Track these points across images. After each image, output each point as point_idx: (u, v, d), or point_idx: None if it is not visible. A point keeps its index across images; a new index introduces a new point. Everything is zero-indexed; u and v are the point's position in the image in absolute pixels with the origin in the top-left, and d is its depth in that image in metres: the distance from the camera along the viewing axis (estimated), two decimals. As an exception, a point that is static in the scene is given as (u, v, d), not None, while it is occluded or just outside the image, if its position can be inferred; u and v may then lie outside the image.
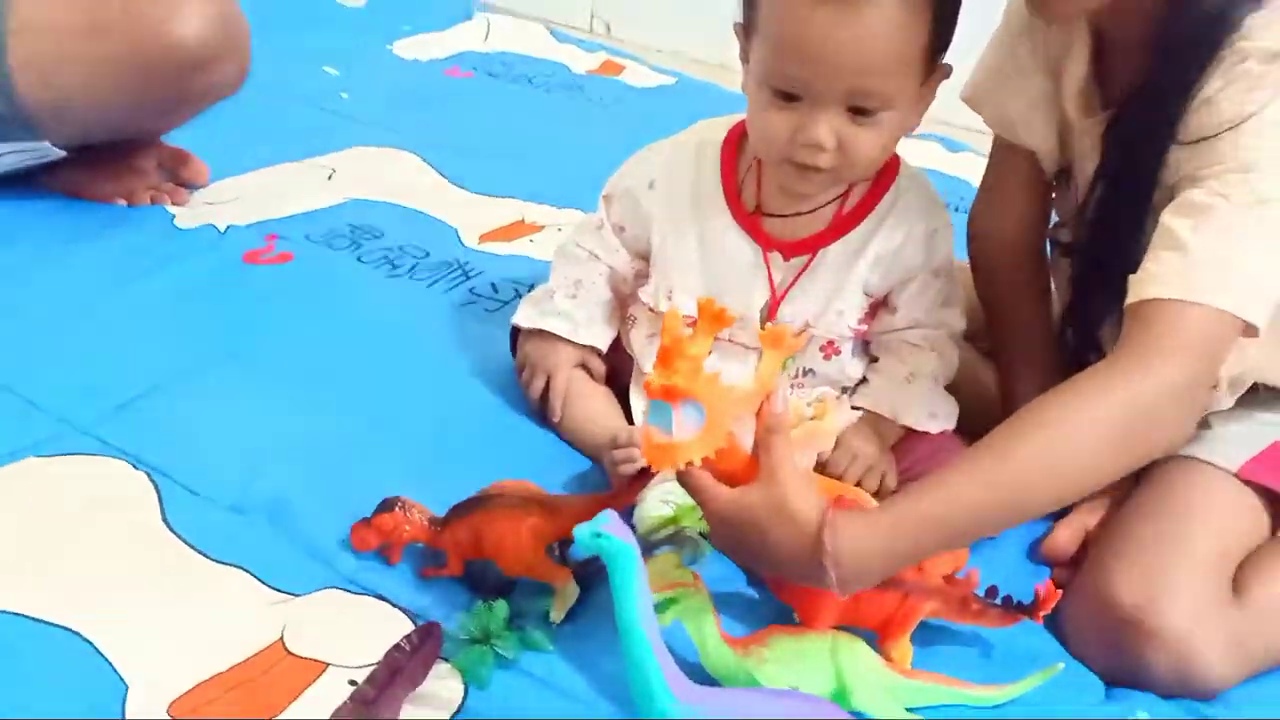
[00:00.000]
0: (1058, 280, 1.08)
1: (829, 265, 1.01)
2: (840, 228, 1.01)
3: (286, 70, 1.87)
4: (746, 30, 0.94)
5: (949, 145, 2.01)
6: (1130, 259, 0.85)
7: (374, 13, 2.26)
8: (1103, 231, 0.94)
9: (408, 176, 1.60)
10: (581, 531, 0.67)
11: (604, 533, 0.66)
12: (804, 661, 0.79)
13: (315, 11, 2.20)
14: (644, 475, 0.88)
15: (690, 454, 0.75)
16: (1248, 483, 0.94)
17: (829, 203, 1.00)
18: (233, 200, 1.45)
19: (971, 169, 1.90)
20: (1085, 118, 0.95)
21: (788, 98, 0.89)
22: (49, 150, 1.31)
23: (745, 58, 0.95)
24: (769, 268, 1.02)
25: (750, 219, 1.02)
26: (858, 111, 0.89)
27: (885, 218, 1.00)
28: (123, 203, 1.40)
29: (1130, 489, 0.96)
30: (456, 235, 1.46)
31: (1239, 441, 0.96)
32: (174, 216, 1.39)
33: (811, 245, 1.01)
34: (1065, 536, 0.96)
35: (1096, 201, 0.94)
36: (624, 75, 2.16)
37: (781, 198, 1.00)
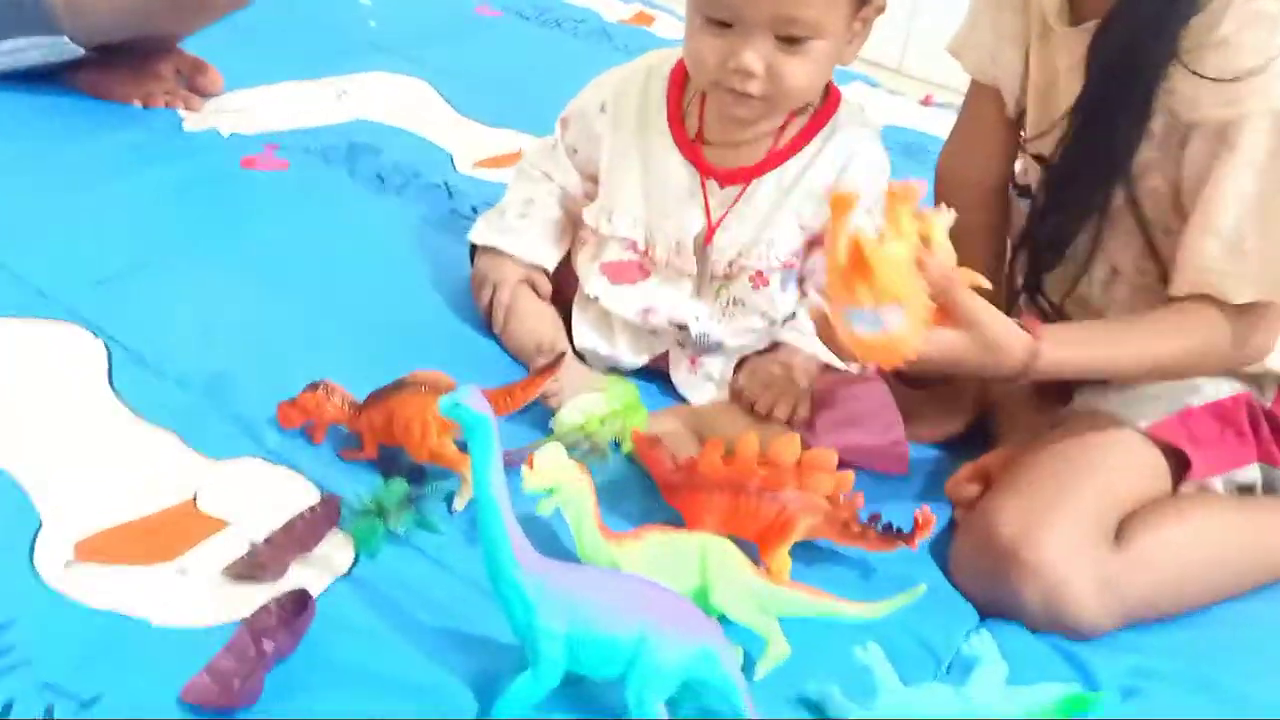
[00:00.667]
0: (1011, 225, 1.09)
1: (763, 195, 1.03)
2: (775, 159, 1.03)
3: (320, -6, 1.94)
4: None
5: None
6: (1114, 177, 0.90)
7: (417, -50, 2.30)
8: (1081, 156, 0.94)
9: (416, 103, 1.65)
10: (444, 401, 0.70)
11: (462, 404, 0.70)
12: (672, 558, 0.82)
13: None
14: (542, 374, 0.91)
15: (911, 346, 0.80)
16: (1157, 442, 0.94)
17: (767, 134, 1.02)
18: (242, 110, 1.51)
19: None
20: (1067, 26, 0.95)
21: (720, 25, 0.92)
22: (70, 48, 1.38)
23: None
24: (705, 194, 1.04)
25: (691, 146, 1.04)
26: (787, 40, 0.91)
27: (821, 151, 1.02)
28: (138, 104, 1.46)
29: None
30: (451, 160, 1.51)
31: (1156, 402, 0.96)
32: (183, 120, 1.45)
33: (746, 175, 1.03)
34: (965, 476, 0.97)
35: (1080, 125, 0.94)
36: (654, 27, 2.18)
37: (721, 126, 1.02)
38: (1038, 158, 1.00)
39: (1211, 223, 0.88)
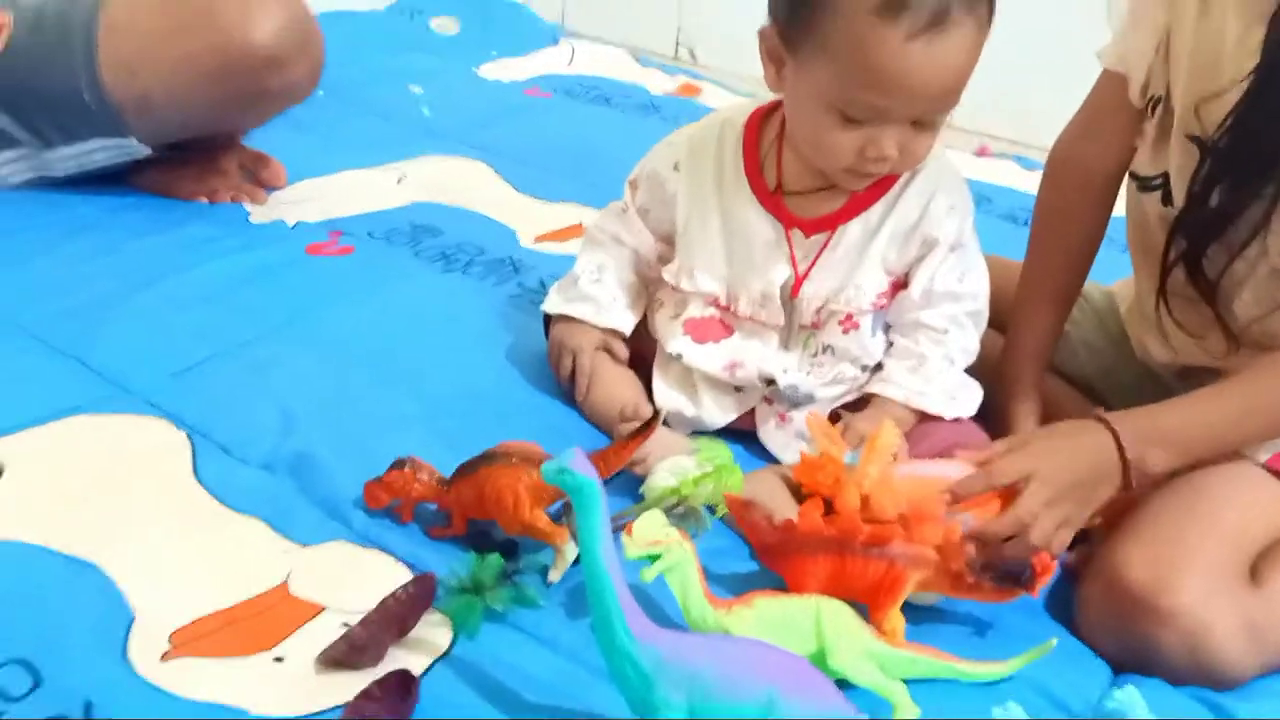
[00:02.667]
0: (1145, 224, 1.04)
1: (848, 242, 1.01)
2: (859, 204, 1.01)
3: (373, 88, 1.98)
4: (791, 40, 0.93)
5: (1025, 164, 1.98)
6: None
7: (465, 38, 2.35)
8: (1249, 139, 0.89)
9: (474, 182, 1.66)
10: (548, 467, 0.68)
11: (568, 468, 0.67)
12: (786, 621, 0.78)
13: (409, 37, 2.30)
14: (638, 437, 0.89)
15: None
16: (1276, 474, 0.90)
17: (850, 182, 1.00)
18: (306, 200, 1.52)
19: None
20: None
21: (855, 119, 0.91)
22: (137, 149, 1.40)
23: (778, 59, 0.96)
24: (790, 245, 1.02)
25: (771, 197, 1.03)
26: (922, 123, 0.91)
27: (902, 193, 1.01)
28: (205, 200, 1.48)
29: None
30: (514, 236, 1.51)
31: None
32: (249, 214, 1.47)
33: (831, 222, 1.02)
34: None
35: (1249, 105, 0.88)
36: (700, 97, 2.20)
37: (802, 176, 1.01)
38: (1192, 138, 0.94)
39: None
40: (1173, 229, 0.95)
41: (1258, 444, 0.93)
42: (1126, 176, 1.06)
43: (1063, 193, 1.08)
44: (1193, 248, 0.93)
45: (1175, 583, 0.80)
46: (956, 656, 0.81)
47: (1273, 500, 0.89)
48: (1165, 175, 1.00)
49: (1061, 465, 0.89)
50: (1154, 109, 1.01)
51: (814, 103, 0.93)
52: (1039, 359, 1.05)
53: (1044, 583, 0.82)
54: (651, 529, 0.77)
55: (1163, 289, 0.96)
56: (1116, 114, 1.04)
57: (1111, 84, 1.04)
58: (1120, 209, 1.09)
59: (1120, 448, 0.89)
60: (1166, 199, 0.99)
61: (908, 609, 0.86)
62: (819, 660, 0.76)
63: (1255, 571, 0.85)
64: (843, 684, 0.77)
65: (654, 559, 0.78)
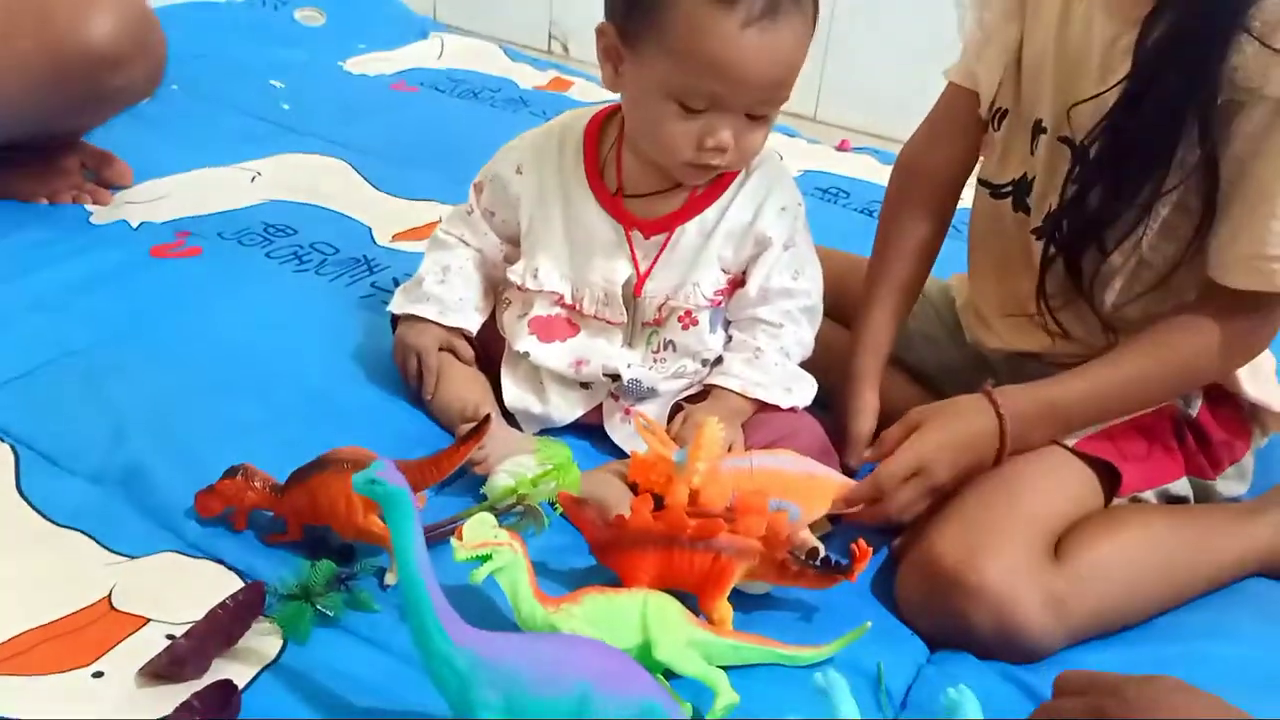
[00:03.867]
0: (999, 230, 1.08)
1: (686, 242, 1.03)
2: (695, 206, 1.03)
3: (232, 82, 1.93)
4: (629, 35, 0.95)
5: (884, 158, 2.03)
6: (1157, 163, 0.89)
7: (331, 30, 2.31)
8: (1124, 143, 0.91)
9: (332, 181, 1.63)
10: (358, 478, 0.68)
11: (378, 478, 0.67)
12: (613, 617, 0.79)
13: (273, 29, 2.25)
14: (470, 440, 0.89)
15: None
16: (1084, 456, 0.94)
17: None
18: (154, 200, 1.48)
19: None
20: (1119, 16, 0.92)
21: (694, 111, 0.93)
22: (-28, 149, 1.35)
23: (615, 57, 0.97)
24: (631, 246, 1.04)
25: (612, 200, 1.04)
26: (755, 116, 0.94)
27: (736, 195, 1.03)
28: (45, 201, 1.44)
29: None
30: (370, 234, 1.49)
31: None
32: (90, 214, 1.43)
33: (669, 224, 1.03)
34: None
35: (1131, 104, 0.90)
36: (571, 91, 2.20)
37: (642, 179, 1.03)
38: (1063, 140, 0.98)
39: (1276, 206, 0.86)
40: (1051, 229, 0.99)
41: (1139, 411, 0.98)
42: (976, 183, 1.11)
43: (908, 195, 1.13)
44: (1070, 249, 0.97)
45: (981, 561, 0.84)
46: (780, 641, 0.83)
47: (1078, 481, 0.94)
48: (1013, 183, 1.05)
49: (946, 461, 0.93)
50: (999, 121, 1.05)
51: (653, 95, 0.95)
52: (880, 352, 1.09)
53: (862, 568, 0.85)
54: (480, 531, 0.78)
55: (1041, 288, 0.99)
56: (962, 125, 1.10)
57: (959, 97, 1.10)
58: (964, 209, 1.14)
59: (1003, 432, 0.93)
60: (1018, 205, 1.04)
61: (742, 598, 0.89)
62: (644, 653, 0.78)
63: (1059, 549, 0.89)
64: (671, 674, 0.79)
65: (485, 559, 0.79)
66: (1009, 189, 1.06)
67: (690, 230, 1.03)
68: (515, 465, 0.96)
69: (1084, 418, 0.97)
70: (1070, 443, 0.95)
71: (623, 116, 1.03)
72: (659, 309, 1.05)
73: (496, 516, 0.93)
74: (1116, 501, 0.95)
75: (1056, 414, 0.95)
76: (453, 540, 0.75)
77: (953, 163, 1.12)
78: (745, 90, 0.92)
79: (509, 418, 1.09)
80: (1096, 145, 0.93)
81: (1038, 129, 1.01)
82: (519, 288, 1.08)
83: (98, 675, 0.76)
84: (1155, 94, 0.88)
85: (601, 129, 1.06)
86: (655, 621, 0.79)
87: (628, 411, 1.07)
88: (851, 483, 0.95)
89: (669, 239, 1.04)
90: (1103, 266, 0.96)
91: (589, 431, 1.10)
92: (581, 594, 0.81)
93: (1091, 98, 0.93)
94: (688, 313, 1.04)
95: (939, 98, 1.14)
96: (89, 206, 1.44)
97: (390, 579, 0.88)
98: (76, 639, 0.79)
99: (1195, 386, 1.00)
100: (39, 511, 0.91)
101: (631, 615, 0.80)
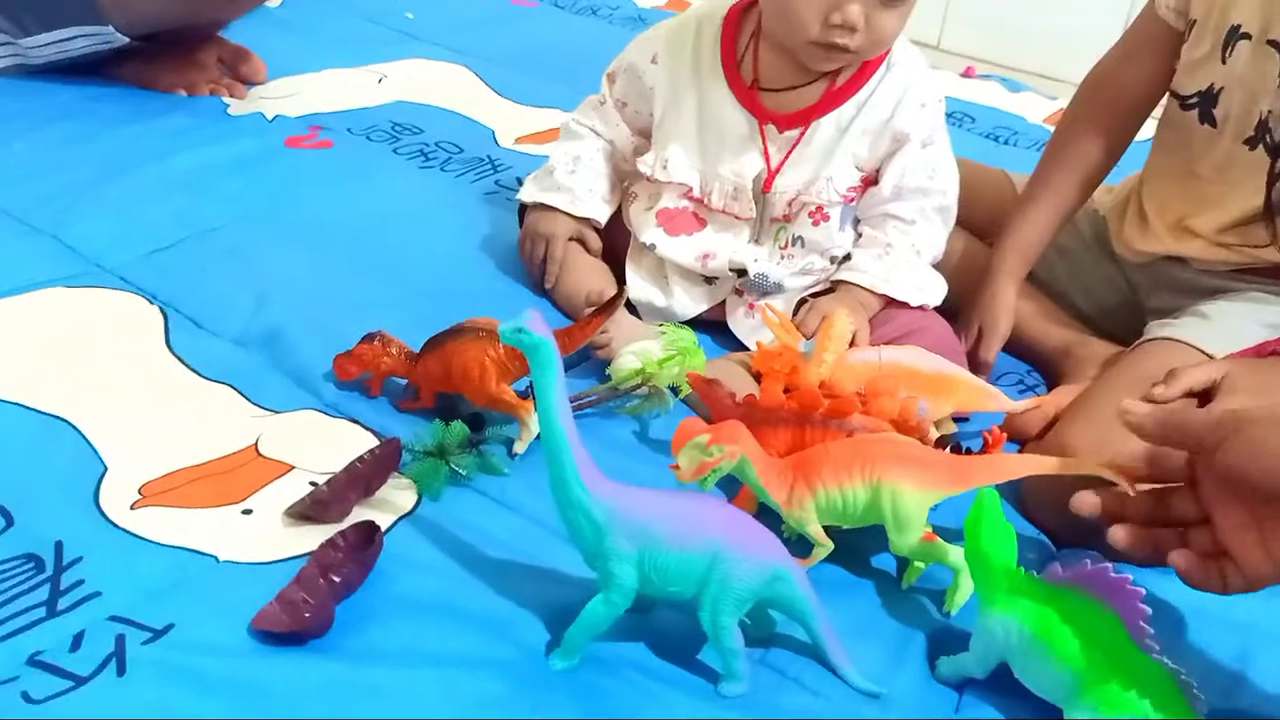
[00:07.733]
0: (1187, 141, 1.05)
1: (821, 137, 1.02)
2: (833, 100, 1.02)
3: (359, -10, 1.96)
4: None
5: (1010, 85, 1.98)
6: None
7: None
8: None
9: (456, 86, 1.65)
10: (505, 327, 0.69)
11: (524, 327, 0.68)
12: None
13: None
14: (601, 314, 0.90)
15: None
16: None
17: (823, 76, 1.01)
18: (286, 96, 1.52)
19: (1031, 108, 1.89)
20: None
21: None
22: (115, 38, 1.39)
23: None
24: (764, 139, 1.03)
25: (747, 92, 1.03)
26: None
27: (876, 90, 1.01)
28: (183, 93, 1.48)
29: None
30: (493, 136, 1.51)
31: (1228, 335, 0.94)
32: (227, 106, 1.47)
33: (805, 118, 1.02)
34: (1033, 416, 0.95)
35: None
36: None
37: (778, 72, 1.01)
38: (1273, 44, 0.95)
39: None
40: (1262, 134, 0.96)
41: None
42: (1166, 96, 1.08)
43: (1090, 111, 1.11)
44: None
45: (1110, 452, 0.82)
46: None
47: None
48: (1200, 94, 1.02)
49: None
50: (1190, 31, 1.02)
51: None
52: (1027, 255, 1.08)
53: (995, 452, 0.84)
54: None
55: (1269, 202, 0.96)
56: (1156, 44, 1.06)
57: (1154, 15, 1.06)
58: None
59: None
60: (1204, 117, 1.02)
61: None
62: None
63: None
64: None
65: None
66: (1195, 100, 1.03)
67: (826, 125, 1.02)
68: (641, 348, 0.97)
69: None
70: (1216, 350, 0.92)
71: (759, 9, 1.02)
72: (789, 204, 1.04)
73: (621, 397, 0.95)
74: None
75: None
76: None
77: (1142, 82, 1.08)
78: None
79: (632, 311, 1.10)
80: None
81: (1233, 36, 0.97)
82: (648, 179, 1.08)
83: (247, 512, 0.80)
84: None
85: (740, 20, 1.05)
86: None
87: (751, 306, 1.07)
88: (982, 382, 0.94)
89: (803, 133, 1.03)
90: None
91: (711, 326, 1.10)
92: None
93: None
94: (819, 208, 1.04)
95: (1137, 16, 1.11)
96: (225, 99, 1.48)
97: (519, 447, 0.90)
98: (227, 479, 0.83)
99: None
100: (188, 366, 0.95)
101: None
